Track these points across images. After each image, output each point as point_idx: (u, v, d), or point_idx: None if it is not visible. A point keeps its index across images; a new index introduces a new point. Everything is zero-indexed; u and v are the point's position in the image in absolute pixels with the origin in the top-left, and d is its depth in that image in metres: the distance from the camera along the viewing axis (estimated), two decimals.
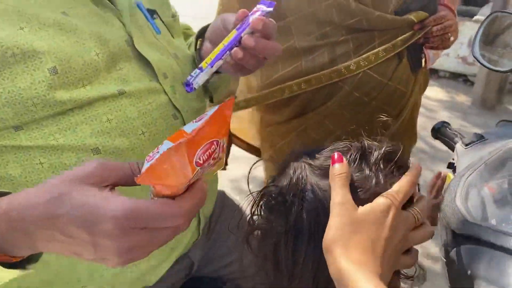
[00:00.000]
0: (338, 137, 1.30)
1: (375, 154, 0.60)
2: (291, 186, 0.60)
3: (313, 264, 0.57)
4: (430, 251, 2.01)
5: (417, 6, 1.15)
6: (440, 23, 1.17)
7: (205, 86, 0.92)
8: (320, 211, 0.56)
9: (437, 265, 1.84)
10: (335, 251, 0.51)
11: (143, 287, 0.81)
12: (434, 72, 4.45)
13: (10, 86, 0.58)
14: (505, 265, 0.55)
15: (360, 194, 0.56)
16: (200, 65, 0.70)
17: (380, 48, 1.12)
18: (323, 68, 1.13)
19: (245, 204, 0.68)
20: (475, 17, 3.99)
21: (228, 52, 0.68)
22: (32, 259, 0.53)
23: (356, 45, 1.13)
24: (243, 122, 1.48)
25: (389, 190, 0.55)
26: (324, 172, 0.59)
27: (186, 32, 1.02)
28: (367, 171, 0.58)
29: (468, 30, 3.87)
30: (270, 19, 0.69)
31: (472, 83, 4.03)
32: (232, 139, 1.60)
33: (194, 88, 0.68)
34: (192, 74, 0.70)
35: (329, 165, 0.58)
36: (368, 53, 1.12)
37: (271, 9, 0.69)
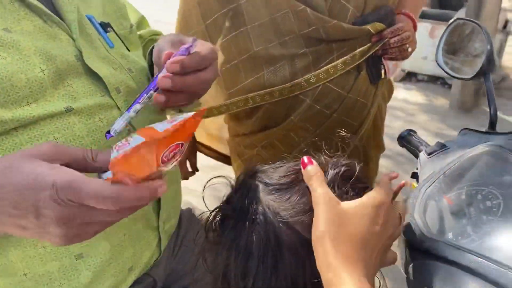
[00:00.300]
0: (302, 149, 1.30)
1: (330, 173, 0.59)
2: (243, 207, 0.59)
3: (263, 283, 0.55)
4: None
5: (374, 18, 1.14)
6: (398, 35, 1.16)
7: None
8: (271, 235, 0.55)
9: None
10: (324, 245, 0.51)
11: None
12: (413, 76, 4.49)
13: None
14: (460, 282, 0.53)
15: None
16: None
17: (339, 61, 1.13)
18: (285, 81, 1.13)
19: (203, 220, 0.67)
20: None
21: (146, 95, 0.64)
22: None
23: (315, 58, 1.12)
24: (213, 131, 1.48)
25: (379, 187, 0.57)
26: (279, 194, 0.58)
27: (154, 39, 0.99)
28: None
29: None
30: (195, 51, 0.66)
31: (450, 86, 4.07)
32: (199, 147, 1.61)
33: (112, 135, 0.64)
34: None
35: (284, 183, 0.59)
36: (327, 66, 1.12)
37: (190, 45, 0.65)
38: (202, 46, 0.68)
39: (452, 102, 3.88)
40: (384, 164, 3.00)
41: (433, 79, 4.41)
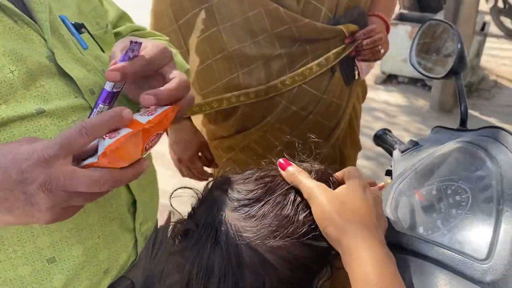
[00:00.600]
0: (281, 151, 1.30)
1: None
2: (206, 223, 0.59)
3: None
4: None
5: (347, 20, 1.16)
6: (370, 37, 1.18)
7: None
8: (232, 256, 0.55)
9: None
10: (335, 221, 0.54)
11: None
12: (394, 78, 4.54)
13: None
14: (428, 274, 0.54)
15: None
16: None
17: (313, 63, 1.14)
18: (260, 82, 1.13)
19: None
20: None
21: (95, 110, 0.63)
22: None
23: (290, 60, 1.13)
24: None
25: (350, 174, 0.62)
26: (244, 211, 0.58)
27: (136, 35, 0.96)
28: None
29: None
30: (141, 55, 0.64)
31: (430, 88, 4.13)
32: None
33: None
34: None
35: (251, 198, 0.59)
36: (302, 68, 1.13)
37: (127, 50, 0.63)
38: (152, 48, 0.66)
39: (432, 103, 3.94)
40: (365, 165, 3.03)
41: (413, 81, 4.47)
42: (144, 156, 0.60)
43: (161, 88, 0.64)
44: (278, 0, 1.09)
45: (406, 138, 0.97)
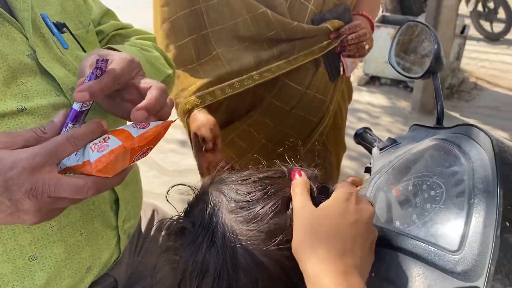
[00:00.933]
0: (264, 145, 1.30)
1: None
2: (203, 223, 0.59)
3: None
4: None
5: (332, 16, 1.19)
6: (355, 32, 1.21)
7: None
8: (228, 258, 0.55)
9: None
10: (302, 253, 0.52)
11: None
12: (376, 80, 4.60)
13: None
14: (403, 266, 0.56)
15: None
16: None
17: (300, 54, 1.16)
18: (249, 71, 1.14)
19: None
20: None
21: (65, 129, 0.61)
22: None
23: (279, 53, 1.15)
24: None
25: (341, 184, 0.60)
26: (242, 213, 0.58)
27: (121, 33, 0.97)
28: None
29: None
30: (109, 69, 0.63)
31: (412, 89, 4.19)
32: None
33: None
34: None
35: (250, 200, 0.59)
36: (290, 58, 1.15)
37: (94, 68, 0.62)
38: (119, 62, 0.65)
39: (414, 104, 4.00)
40: (348, 165, 3.06)
41: (395, 83, 4.53)
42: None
43: (147, 99, 0.63)
44: (266, 1, 1.10)
45: None
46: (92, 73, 0.61)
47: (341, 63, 1.26)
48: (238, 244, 0.55)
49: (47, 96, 0.69)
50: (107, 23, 0.94)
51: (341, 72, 1.28)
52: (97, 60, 0.62)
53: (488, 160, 0.60)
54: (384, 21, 4.64)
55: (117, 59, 0.65)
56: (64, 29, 0.77)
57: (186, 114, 1.20)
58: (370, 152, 0.97)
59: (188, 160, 3.16)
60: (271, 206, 0.57)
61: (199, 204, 0.62)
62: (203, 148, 1.10)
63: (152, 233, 1.03)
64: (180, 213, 0.65)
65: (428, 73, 0.93)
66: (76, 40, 0.79)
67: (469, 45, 5.50)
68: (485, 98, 4.31)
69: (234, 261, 0.55)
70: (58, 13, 0.78)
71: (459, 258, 0.52)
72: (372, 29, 1.30)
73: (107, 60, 0.63)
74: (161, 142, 0.68)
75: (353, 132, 1.02)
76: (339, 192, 0.58)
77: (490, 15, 5.97)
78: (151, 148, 0.64)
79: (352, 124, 3.59)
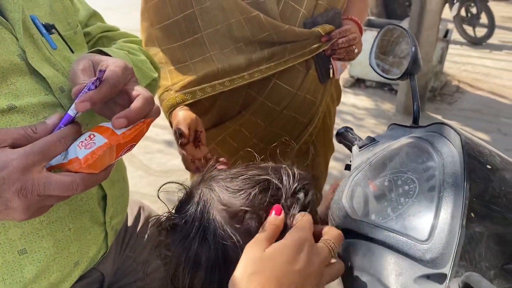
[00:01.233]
0: (255, 144, 1.33)
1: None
2: (195, 218, 0.61)
3: None
4: None
5: (323, 20, 1.22)
6: (345, 36, 1.25)
7: None
8: (219, 254, 0.57)
9: None
10: None
11: None
12: (362, 82, 4.66)
13: None
14: (377, 255, 0.59)
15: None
16: None
17: (291, 56, 1.19)
18: (239, 71, 1.17)
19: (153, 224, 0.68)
20: None
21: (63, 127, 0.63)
22: None
23: (271, 54, 1.18)
24: None
25: (299, 225, 0.57)
26: (231, 213, 0.60)
27: (107, 35, 0.98)
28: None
29: None
30: (105, 78, 0.65)
31: (396, 92, 4.26)
32: None
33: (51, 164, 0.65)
34: None
35: (237, 210, 0.60)
36: (280, 60, 1.18)
37: (94, 79, 0.65)
38: (114, 69, 0.67)
39: (398, 107, 4.06)
40: (334, 166, 3.10)
41: (380, 85, 4.60)
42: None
43: (129, 109, 0.65)
44: (258, 4, 1.13)
45: None
46: (93, 83, 0.63)
47: (331, 66, 1.29)
48: (229, 241, 0.57)
49: (36, 95, 0.70)
50: (94, 25, 0.96)
51: (331, 75, 1.31)
52: (100, 70, 0.64)
53: (458, 156, 0.64)
54: (370, 24, 4.71)
55: (112, 66, 0.67)
56: (53, 30, 0.79)
57: (168, 111, 1.22)
58: (350, 150, 1.00)
59: (175, 160, 3.18)
60: (260, 205, 0.59)
61: (190, 201, 0.64)
62: (179, 143, 1.13)
63: (138, 229, 1.05)
64: (171, 210, 0.67)
65: (406, 74, 0.97)
66: (65, 41, 0.81)
67: (452, 49, 5.61)
68: (467, 101, 4.39)
69: (225, 256, 0.57)
70: (47, 14, 0.80)
71: (428, 247, 0.55)
72: (361, 33, 1.34)
73: (105, 70, 0.66)
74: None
75: None
76: (293, 237, 0.55)
77: (473, 20, 6.09)
78: (135, 144, 0.67)
79: (338, 126, 3.59)
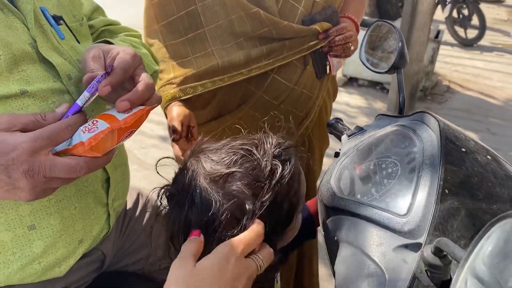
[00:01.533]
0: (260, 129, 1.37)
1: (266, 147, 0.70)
2: (184, 188, 0.68)
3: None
4: None
5: (321, 17, 1.28)
6: (342, 33, 1.30)
7: None
8: (205, 214, 0.64)
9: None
10: None
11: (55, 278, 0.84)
12: (354, 81, 4.74)
13: None
14: (360, 229, 0.65)
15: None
16: None
17: (289, 53, 1.24)
18: (239, 67, 1.22)
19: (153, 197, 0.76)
20: None
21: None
22: None
23: (269, 51, 1.23)
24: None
25: (233, 239, 0.61)
26: (214, 178, 0.66)
27: (109, 29, 1.04)
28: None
29: None
30: (117, 67, 0.72)
31: (388, 91, 4.34)
32: None
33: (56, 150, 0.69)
34: None
35: (218, 174, 0.66)
36: (278, 57, 1.23)
37: (104, 72, 0.71)
38: (121, 60, 0.74)
39: (389, 105, 4.14)
40: (325, 162, 3.16)
41: (372, 84, 4.67)
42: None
43: (132, 92, 0.71)
44: (258, 2, 1.18)
45: None
46: (102, 76, 0.70)
47: (327, 62, 1.34)
48: (213, 203, 0.64)
49: (45, 82, 0.75)
50: (97, 19, 1.01)
51: (328, 71, 1.36)
52: (109, 65, 0.72)
53: (436, 140, 0.70)
54: (363, 24, 4.73)
55: (122, 53, 0.74)
56: (61, 21, 0.84)
57: (167, 104, 1.27)
58: (340, 140, 1.06)
59: (168, 154, 3.22)
60: (235, 172, 0.66)
61: (181, 173, 0.71)
62: (172, 138, 1.19)
63: (136, 214, 1.10)
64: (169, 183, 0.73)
65: (393, 68, 1.03)
66: (71, 32, 0.86)
67: (444, 50, 5.70)
68: (457, 100, 4.48)
69: (212, 217, 0.63)
70: (55, 6, 0.85)
71: (406, 220, 0.61)
72: (357, 31, 1.40)
73: (113, 65, 0.73)
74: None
75: None
76: (218, 251, 0.59)
77: (464, 22, 6.17)
78: (135, 130, 0.72)
79: None
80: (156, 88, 1.24)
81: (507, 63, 5.61)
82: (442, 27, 5.56)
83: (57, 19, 0.83)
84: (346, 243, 0.65)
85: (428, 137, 0.72)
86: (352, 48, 1.36)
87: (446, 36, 5.96)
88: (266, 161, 0.67)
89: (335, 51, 1.33)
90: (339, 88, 4.61)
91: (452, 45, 6.23)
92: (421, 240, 0.58)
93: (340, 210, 0.69)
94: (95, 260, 0.93)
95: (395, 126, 0.84)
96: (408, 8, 3.78)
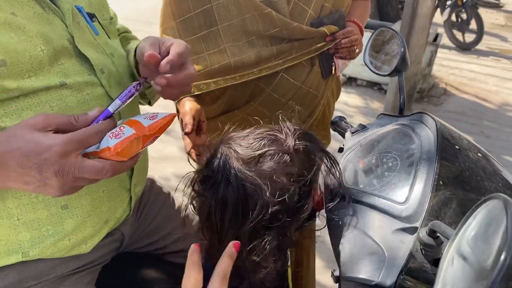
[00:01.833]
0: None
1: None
2: (219, 169, 0.76)
3: (235, 227, 0.74)
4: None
5: (329, 21, 1.35)
6: (348, 37, 1.38)
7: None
8: (240, 192, 0.72)
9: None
10: None
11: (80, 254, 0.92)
12: (353, 81, 4.82)
13: None
14: (363, 214, 0.73)
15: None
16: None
17: (297, 54, 1.32)
18: (250, 67, 1.29)
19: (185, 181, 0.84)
20: None
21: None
22: None
23: (278, 52, 1.31)
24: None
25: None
26: (246, 161, 0.75)
27: (125, 36, 1.14)
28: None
29: None
30: (174, 52, 0.82)
31: (386, 92, 4.42)
32: None
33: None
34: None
35: (251, 156, 0.75)
36: (288, 58, 1.31)
37: (138, 82, 0.76)
38: (178, 46, 0.84)
39: (387, 106, 4.22)
40: None
41: (371, 84, 4.76)
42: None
43: (170, 55, 0.81)
44: (270, 3, 1.26)
45: None
46: (134, 86, 0.75)
47: (333, 63, 1.42)
48: (248, 182, 0.72)
49: (81, 75, 0.83)
50: (118, 25, 1.11)
51: (333, 71, 1.44)
52: (142, 77, 0.80)
53: (433, 139, 0.78)
54: (364, 26, 4.85)
55: (176, 43, 0.84)
56: (94, 18, 0.92)
57: (178, 100, 1.35)
58: (343, 136, 1.14)
59: (171, 147, 3.30)
60: (266, 151, 0.75)
61: (214, 158, 0.79)
62: (183, 132, 1.26)
63: (150, 200, 1.18)
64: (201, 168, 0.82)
65: (395, 71, 1.11)
66: (103, 28, 0.93)
67: (441, 53, 5.79)
68: (453, 103, 4.58)
69: (245, 193, 0.72)
70: (87, 5, 0.92)
71: (404, 207, 0.69)
72: (362, 35, 1.48)
73: (146, 78, 0.81)
74: None
75: None
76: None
77: (463, 26, 6.26)
78: (159, 136, 0.76)
79: None
80: None
81: (503, 68, 5.71)
82: (441, 30, 5.65)
83: (91, 16, 0.91)
84: (350, 227, 0.74)
85: (426, 135, 0.81)
86: (357, 50, 1.44)
87: (444, 39, 6.05)
88: (289, 142, 0.76)
89: (341, 53, 1.40)
90: None
91: (450, 48, 6.33)
92: (417, 224, 0.66)
93: (344, 197, 0.78)
94: (116, 240, 1.01)
95: (395, 124, 0.93)
96: (408, 11, 3.85)
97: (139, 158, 0.74)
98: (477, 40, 6.23)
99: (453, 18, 6.30)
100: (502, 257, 0.37)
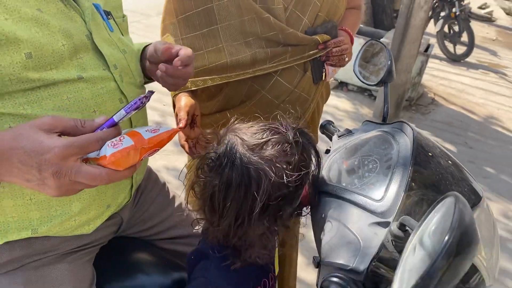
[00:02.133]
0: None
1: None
2: (225, 153, 0.84)
3: (236, 206, 0.82)
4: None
5: (322, 30, 1.44)
6: (339, 46, 1.47)
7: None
8: (244, 173, 0.81)
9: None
10: None
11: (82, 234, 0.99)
12: (344, 85, 4.93)
13: None
14: (345, 209, 0.82)
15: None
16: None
17: (290, 59, 1.41)
18: (245, 67, 1.38)
19: (190, 165, 0.92)
20: (381, 39, 4.50)
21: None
22: None
23: (273, 55, 1.39)
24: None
25: None
26: (251, 147, 0.83)
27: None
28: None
29: None
30: (184, 54, 0.95)
31: (375, 98, 4.54)
32: None
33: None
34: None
35: (255, 143, 0.84)
36: (281, 62, 1.40)
37: (144, 95, 0.77)
38: (186, 49, 0.95)
39: (376, 112, 4.34)
40: None
41: (361, 90, 4.87)
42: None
43: (181, 55, 0.94)
44: (269, 9, 1.34)
45: None
46: (139, 99, 0.75)
47: (324, 70, 1.51)
48: (251, 165, 0.80)
49: (96, 69, 0.90)
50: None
51: (323, 77, 1.53)
52: (149, 91, 0.83)
53: (409, 145, 0.88)
54: (358, 32, 4.95)
55: (184, 47, 0.95)
56: (109, 16, 0.99)
57: (174, 94, 1.43)
58: (331, 139, 1.23)
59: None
60: (270, 139, 0.83)
61: (220, 144, 0.87)
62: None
63: (147, 188, 1.26)
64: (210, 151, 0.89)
65: (382, 82, 1.20)
66: (117, 25, 1.01)
67: (432, 63, 5.93)
68: (440, 113, 4.71)
69: (248, 174, 0.80)
70: (103, 3, 1.00)
71: (380, 204, 0.78)
72: (352, 43, 1.57)
73: (153, 92, 0.84)
74: None
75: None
76: None
77: (455, 38, 6.40)
78: (158, 149, 0.77)
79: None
80: None
81: (490, 81, 5.86)
82: (433, 40, 5.78)
83: (107, 14, 0.98)
84: (331, 219, 0.83)
85: (404, 142, 0.90)
86: (346, 59, 1.54)
87: (436, 50, 6.19)
88: (289, 134, 0.85)
89: (332, 61, 1.50)
90: (330, 91, 4.81)
91: (440, 59, 6.47)
92: (390, 219, 0.75)
93: (328, 193, 0.86)
94: (115, 223, 1.09)
95: (378, 131, 1.02)
96: (401, 21, 3.96)
97: (137, 168, 0.75)
98: (468, 53, 6.37)
99: (446, 29, 6.44)
100: (446, 238, 0.46)
